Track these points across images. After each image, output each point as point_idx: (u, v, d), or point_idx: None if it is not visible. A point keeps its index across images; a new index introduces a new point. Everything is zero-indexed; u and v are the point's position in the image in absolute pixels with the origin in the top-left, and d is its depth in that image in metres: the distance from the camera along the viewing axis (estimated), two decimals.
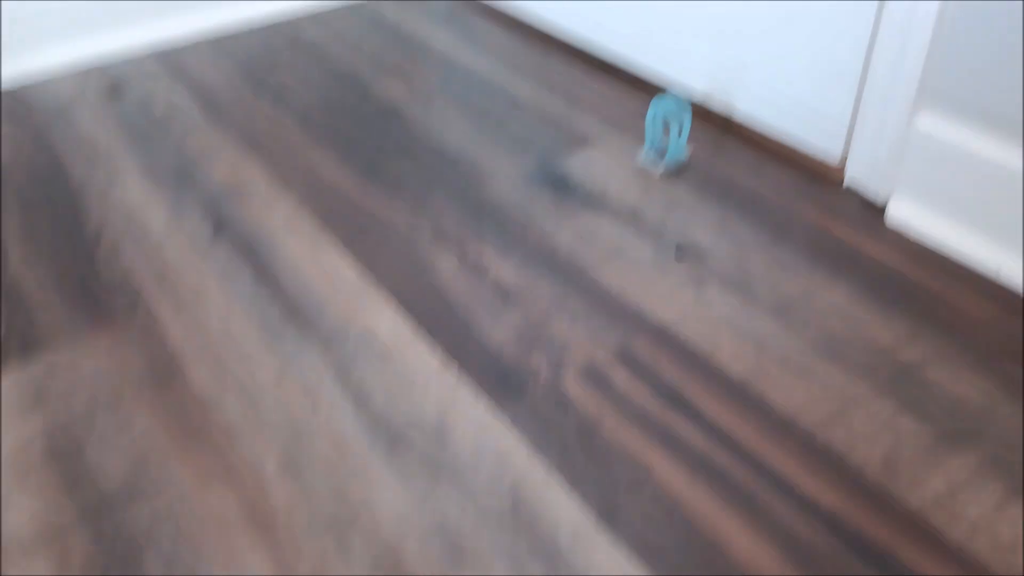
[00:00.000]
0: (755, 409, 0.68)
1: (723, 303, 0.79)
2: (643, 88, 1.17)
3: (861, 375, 0.71)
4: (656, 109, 0.96)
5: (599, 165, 1.00)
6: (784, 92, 0.98)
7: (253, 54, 1.29)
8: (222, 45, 1.32)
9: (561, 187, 0.96)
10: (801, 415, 0.67)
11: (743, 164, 0.99)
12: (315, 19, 1.41)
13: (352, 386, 0.70)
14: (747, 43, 1.00)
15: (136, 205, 0.94)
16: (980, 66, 0.78)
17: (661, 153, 1.00)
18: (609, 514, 0.60)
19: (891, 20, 0.83)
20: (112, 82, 1.21)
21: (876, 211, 0.91)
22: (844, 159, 0.95)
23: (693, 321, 0.77)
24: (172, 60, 1.27)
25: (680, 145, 0.98)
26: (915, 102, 0.83)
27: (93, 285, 0.82)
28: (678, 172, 0.98)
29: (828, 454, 0.64)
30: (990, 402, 0.68)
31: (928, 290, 0.80)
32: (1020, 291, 0.79)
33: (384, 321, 0.77)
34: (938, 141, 0.82)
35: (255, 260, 0.85)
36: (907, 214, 0.87)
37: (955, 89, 0.81)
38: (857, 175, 0.93)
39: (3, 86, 1.21)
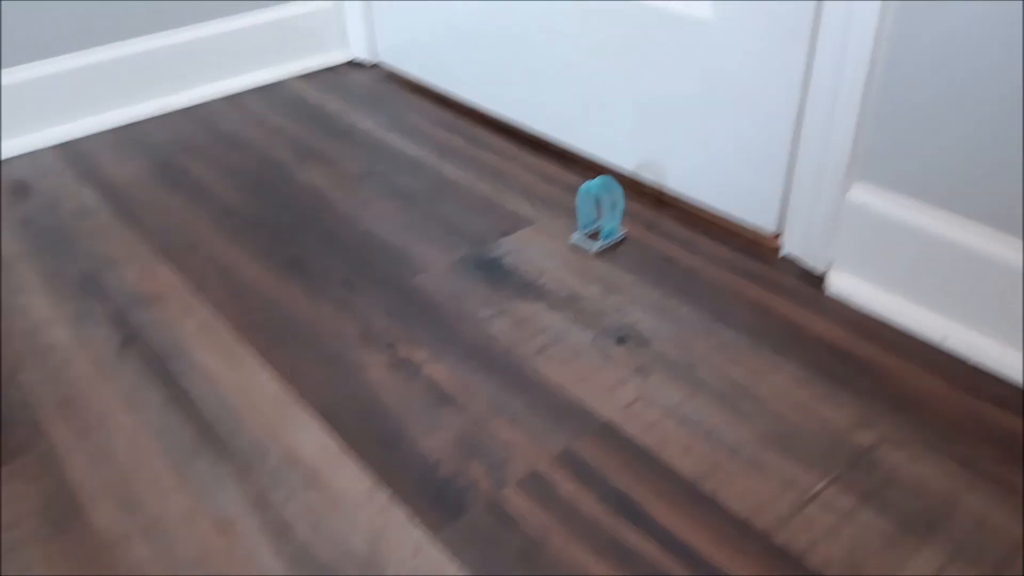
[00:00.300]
0: (708, 510, 0.64)
1: (668, 393, 0.75)
2: (574, 163, 1.15)
3: (815, 465, 0.67)
4: (587, 187, 0.93)
5: (533, 248, 0.96)
6: (714, 167, 0.96)
7: (166, 143, 1.24)
8: (133, 134, 1.27)
9: (495, 273, 0.92)
10: (757, 514, 0.63)
11: (678, 239, 0.97)
12: (231, 102, 1.37)
13: (273, 517, 0.64)
14: (673, 120, 0.98)
15: (38, 319, 0.87)
16: (910, 138, 0.77)
17: (595, 232, 0.97)
18: None
19: (817, 97, 0.82)
20: (16, 181, 1.14)
21: (815, 280, 0.89)
22: (780, 229, 0.93)
23: (638, 414, 0.73)
24: (80, 153, 1.21)
25: (614, 223, 0.95)
26: (847, 174, 0.82)
27: None
28: (613, 250, 0.95)
29: (787, 556, 0.60)
30: (950, 484, 0.65)
31: (875, 365, 0.77)
32: (967, 359, 0.77)
33: (308, 439, 0.71)
34: (873, 212, 0.81)
35: (166, 376, 0.79)
36: (847, 284, 0.86)
37: (887, 161, 0.80)
38: (793, 246, 0.91)
39: None
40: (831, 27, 0.78)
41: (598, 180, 0.93)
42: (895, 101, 0.77)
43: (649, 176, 1.05)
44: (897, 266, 0.81)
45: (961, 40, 0.70)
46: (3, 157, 1.22)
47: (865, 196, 0.82)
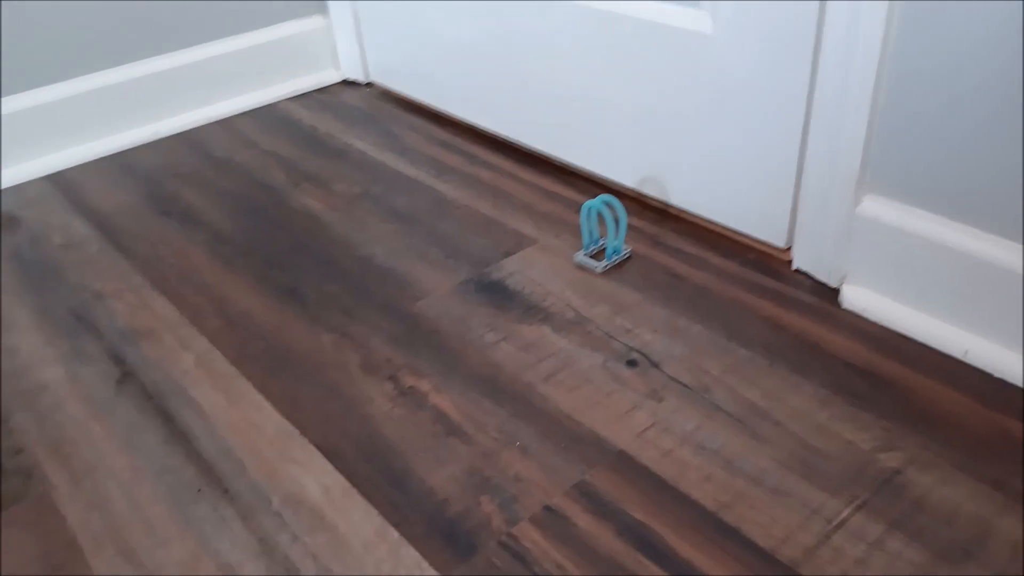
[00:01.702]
0: (731, 542, 0.61)
1: (683, 418, 0.72)
2: (576, 179, 1.13)
3: (841, 491, 0.65)
4: (590, 204, 0.91)
5: (537, 268, 0.94)
6: (718, 181, 0.94)
7: (156, 170, 1.21)
8: (123, 161, 1.24)
9: (498, 295, 0.90)
10: (782, 545, 0.61)
11: (685, 255, 0.95)
12: (222, 126, 1.34)
13: (278, 562, 0.62)
14: (675, 135, 0.96)
15: (30, 359, 0.85)
16: (921, 149, 0.75)
17: (600, 250, 0.95)
18: None
19: (823, 108, 0.80)
20: (3, 214, 1.12)
21: (829, 294, 0.86)
22: (790, 243, 0.91)
23: (653, 442, 0.70)
24: (70, 183, 1.19)
25: (619, 240, 0.93)
26: (857, 186, 0.80)
27: None
28: (619, 269, 0.93)
29: None
30: (982, 508, 0.63)
31: (896, 382, 0.75)
32: (991, 372, 0.75)
33: (312, 477, 0.69)
34: (885, 225, 0.79)
35: (164, 415, 0.76)
36: (862, 298, 0.83)
37: (898, 173, 0.77)
38: (805, 260, 0.89)
39: None
40: (835, 36, 0.76)
41: (599, 198, 0.91)
42: (904, 111, 0.75)
43: (653, 192, 1.03)
44: (913, 279, 0.79)
45: (972, 45, 0.68)
46: None
47: (877, 208, 0.80)
